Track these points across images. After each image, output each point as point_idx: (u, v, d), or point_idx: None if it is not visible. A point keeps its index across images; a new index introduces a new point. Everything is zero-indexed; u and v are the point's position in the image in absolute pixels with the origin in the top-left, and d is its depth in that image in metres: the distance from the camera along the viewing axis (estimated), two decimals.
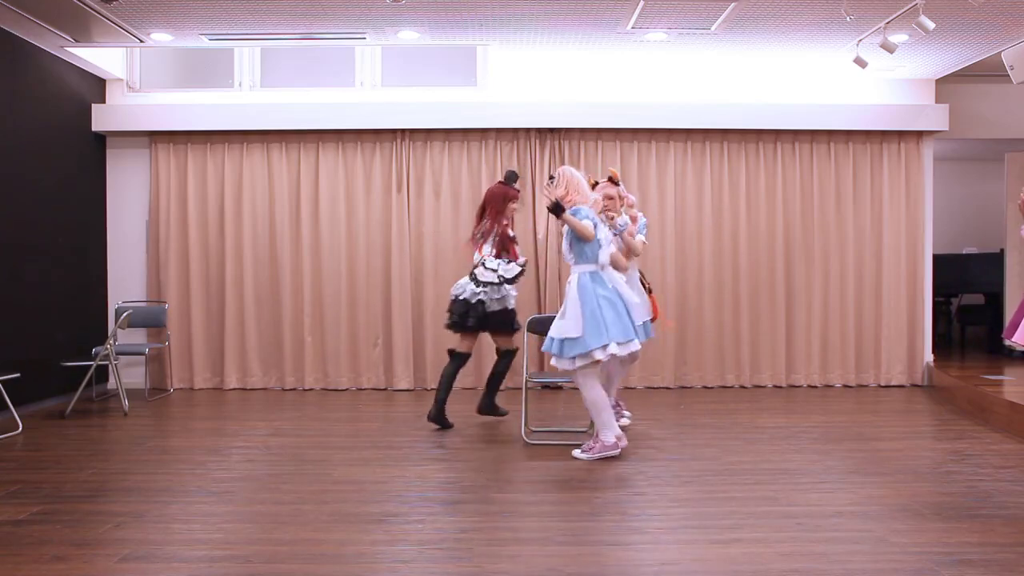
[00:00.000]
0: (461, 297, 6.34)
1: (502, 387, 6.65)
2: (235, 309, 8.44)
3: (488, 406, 6.60)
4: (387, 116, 8.29)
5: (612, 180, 6.10)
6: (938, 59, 7.79)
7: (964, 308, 10.77)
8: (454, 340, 6.49)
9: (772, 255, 8.52)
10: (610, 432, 5.36)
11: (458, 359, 6.43)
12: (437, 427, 6.36)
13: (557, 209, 5.27)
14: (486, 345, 7.09)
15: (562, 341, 5.30)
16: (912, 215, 8.59)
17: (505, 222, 6.38)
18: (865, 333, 8.56)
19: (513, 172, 6.51)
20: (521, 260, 6.40)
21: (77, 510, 4.32)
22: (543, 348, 5.52)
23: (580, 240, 5.32)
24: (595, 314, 5.22)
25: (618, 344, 5.25)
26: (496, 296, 6.29)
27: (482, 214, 6.44)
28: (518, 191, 6.49)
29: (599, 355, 5.23)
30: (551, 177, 5.71)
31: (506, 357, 6.51)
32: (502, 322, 6.37)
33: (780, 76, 8.36)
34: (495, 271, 6.27)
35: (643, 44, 7.43)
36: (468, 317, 6.28)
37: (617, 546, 3.81)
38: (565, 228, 5.42)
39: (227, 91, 8.46)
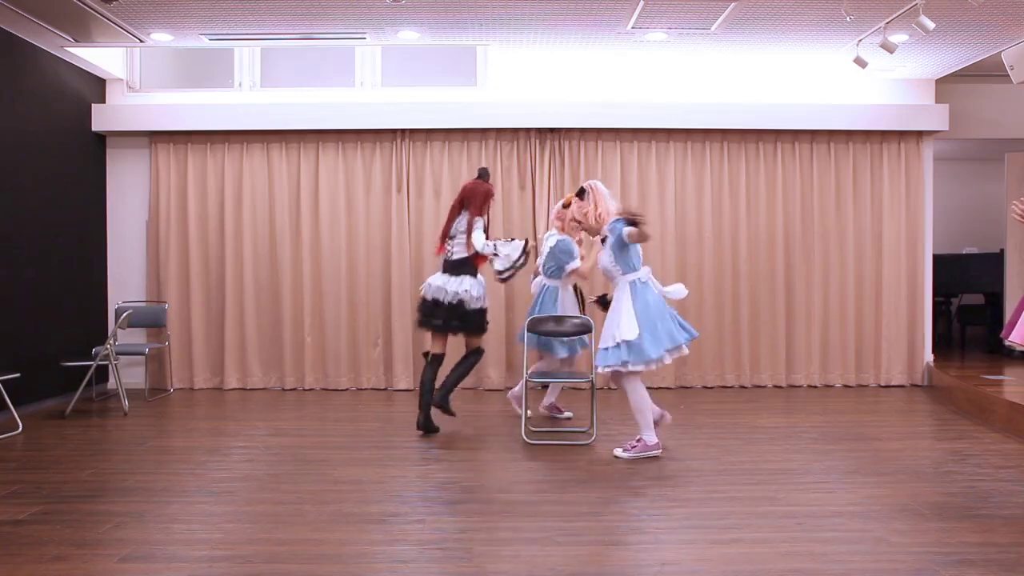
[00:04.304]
0: (444, 301, 6.06)
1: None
2: (235, 309, 8.44)
3: (443, 399, 6.17)
4: (387, 116, 8.29)
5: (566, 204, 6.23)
6: (938, 59, 7.79)
7: (964, 308, 10.77)
8: (456, 340, 6.30)
9: (772, 255, 8.52)
10: (652, 433, 5.44)
11: (437, 362, 6.18)
12: (423, 433, 6.15)
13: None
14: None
15: (616, 347, 5.34)
16: (912, 215, 8.59)
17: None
18: (865, 333, 8.56)
19: (485, 169, 6.33)
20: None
21: (77, 510, 4.32)
22: (600, 365, 5.45)
23: (624, 250, 5.38)
24: (652, 321, 5.30)
25: (667, 351, 5.35)
26: (478, 294, 6.10)
27: (459, 209, 6.18)
28: (492, 187, 6.31)
29: (653, 365, 5.33)
30: (581, 190, 5.72)
31: (476, 354, 6.27)
32: (480, 323, 6.18)
33: (780, 76, 8.36)
34: (506, 254, 6.09)
35: (643, 44, 7.43)
36: (451, 320, 6.06)
37: (617, 546, 3.82)
38: (610, 243, 5.43)
39: (227, 91, 8.46)
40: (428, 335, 6.39)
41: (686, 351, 5.51)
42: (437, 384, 6.17)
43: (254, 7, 6.37)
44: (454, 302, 6.06)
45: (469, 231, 6.09)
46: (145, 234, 8.55)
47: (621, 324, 5.32)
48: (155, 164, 8.48)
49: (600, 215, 5.56)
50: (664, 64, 8.15)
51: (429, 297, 6.14)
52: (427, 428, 6.14)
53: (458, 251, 6.14)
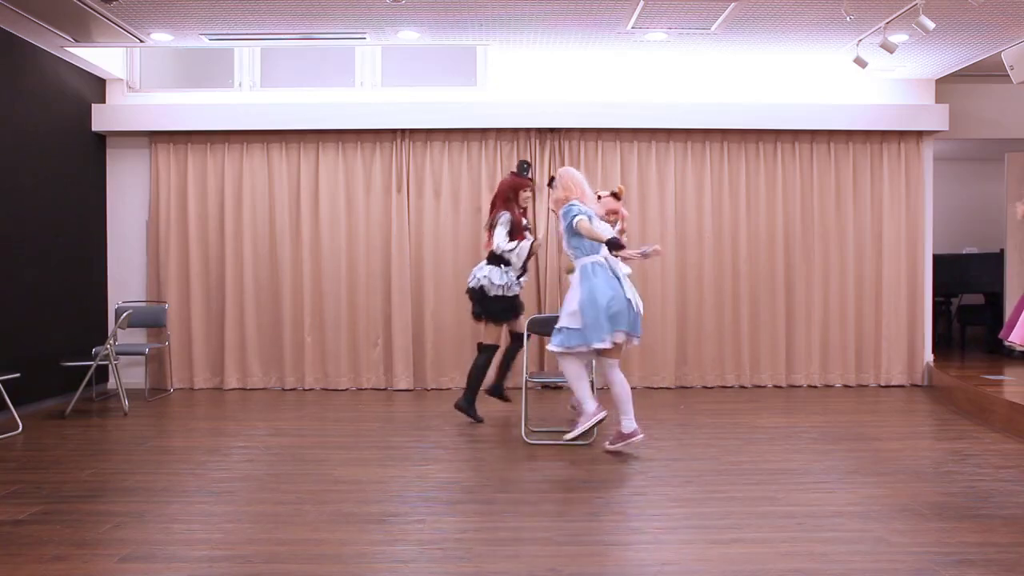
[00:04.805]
0: (470, 285, 6.51)
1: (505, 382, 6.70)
2: (235, 309, 8.44)
3: (497, 389, 6.74)
4: (387, 116, 8.29)
5: (616, 195, 6.44)
6: (938, 59, 7.79)
7: (964, 308, 10.77)
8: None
9: (772, 255, 8.51)
10: (591, 401, 5.53)
11: (491, 351, 6.57)
12: (470, 420, 6.59)
13: (616, 246, 5.41)
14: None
15: (562, 329, 5.46)
16: (912, 215, 8.59)
17: (518, 211, 6.48)
18: (865, 333, 8.56)
19: (525, 162, 6.63)
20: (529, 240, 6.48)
21: (77, 510, 4.32)
22: (549, 347, 5.63)
23: (576, 233, 5.49)
24: (594, 305, 5.34)
25: (626, 334, 5.42)
26: (499, 282, 6.36)
27: (495, 205, 6.55)
28: (530, 180, 6.59)
29: (597, 345, 5.38)
30: (552, 179, 5.81)
31: (517, 340, 6.58)
32: (494, 311, 6.46)
33: (780, 76, 8.36)
34: (510, 251, 6.38)
35: (643, 44, 7.43)
36: (475, 306, 6.47)
37: (617, 546, 3.82)
38: (563, 227, 5.56)
39: (227, 91, 8.46)
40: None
41: (635, 342, 5.56)
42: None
43: (254, 7, 6.37)
44: (476, 287, 6.46)
45: (491, 227, 6.49)
46: (145, 234, 8.55)
47: (567, 311, 5.48)
48: (155, 164, 8.48)
49: (566, 199, 5.60)
50: (664, 64, 8.15)
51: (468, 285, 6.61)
52: (498, 393, 6.73)
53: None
